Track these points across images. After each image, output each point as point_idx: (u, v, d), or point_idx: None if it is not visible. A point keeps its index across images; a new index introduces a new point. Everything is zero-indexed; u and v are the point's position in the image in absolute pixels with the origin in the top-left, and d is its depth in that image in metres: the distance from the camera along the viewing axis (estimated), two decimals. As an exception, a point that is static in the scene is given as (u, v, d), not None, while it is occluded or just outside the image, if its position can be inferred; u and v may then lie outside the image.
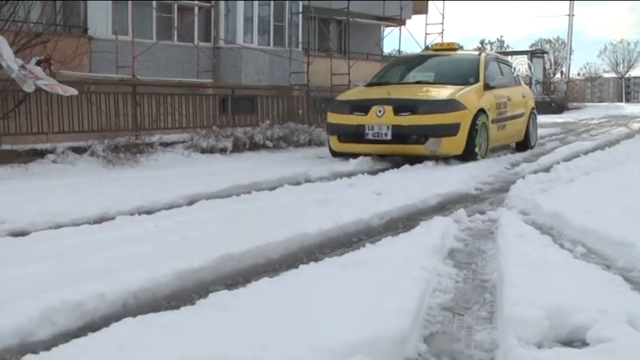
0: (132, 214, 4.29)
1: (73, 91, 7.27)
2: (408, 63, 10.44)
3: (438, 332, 2.39)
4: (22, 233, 3.78)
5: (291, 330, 2.04)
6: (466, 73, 8.85)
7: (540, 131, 14.77)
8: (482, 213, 4.61)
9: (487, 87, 8.61)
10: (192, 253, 3.02)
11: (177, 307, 2.45)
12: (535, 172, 6.60)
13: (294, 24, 13.99)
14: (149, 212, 4.45)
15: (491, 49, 50.00)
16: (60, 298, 2.36)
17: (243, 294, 2.49)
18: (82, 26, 11.05)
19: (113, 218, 4.17)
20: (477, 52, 9.71)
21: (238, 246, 3.18)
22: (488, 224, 4.29)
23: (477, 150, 7.85)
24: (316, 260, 3.20)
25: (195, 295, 2.70)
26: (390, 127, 7.76)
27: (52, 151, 7.36)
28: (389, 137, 7.78)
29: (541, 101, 28.61)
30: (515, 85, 10.16)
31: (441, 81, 8.74)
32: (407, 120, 7.73)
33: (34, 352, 2.05)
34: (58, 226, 3.92)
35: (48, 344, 2.15)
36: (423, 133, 7.70)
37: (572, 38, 36.62)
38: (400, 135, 7.74)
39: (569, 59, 38.39)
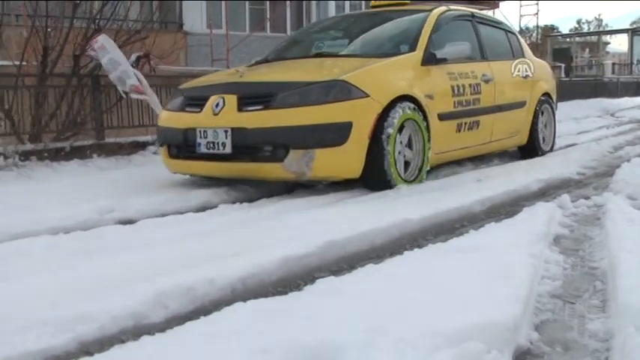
0: (233, 203, 4.37)
1: (155, 105, 7.34)
2: (328, 27, 6.91)
3: (549, 320, 2.32)
4: (130, 221, 3.91)
5: (401, 315, 2.03)
6: (399, 38, 5.66)
7: (644, 113, 14.14)
8: (586, 198, 4.45)
9: (432, 60, 5.34)
10: (295, 240, 3.06)
11: (285, 293, 2.49)
12: (641, 155, 6.33)
13: (385, 11, 13.91)
14: (250, 200, 4.54)
15: (588, 29, 48.08)
16: (172, 282, 2.44)
17: (351, 280, 2.50)
18: (177, 21, 11.38)
19: (216, 206, 4.27)
20: (430, 8, 6.03)
21: (341, 232, 3.20)
22: (594, 210, 4.14)
23: (391, 170, 4.61)
24: (420, 246, 3.18)
25: (301, 281, 2.73)
26: (230, 131, 4.59)
27: (152, 143, 7.60)
28: (228, 149, 4.60)
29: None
30: (510, 57, 6.75)
31: (357, 52, 5.58)
32: (255, 119, 4.54)
33: (150, 333, 2.12)
34: (163, 215, 4.04)
35: (161, 327, 2.22)
36: (281, 142, 4.48)
37: (677, 15, 34.72)
38: (245, 146, 4.58)
39: (674, 37, 36.56)
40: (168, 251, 3.08)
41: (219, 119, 4.67)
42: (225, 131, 4.61)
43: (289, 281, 2.73)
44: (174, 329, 2.09)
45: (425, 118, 5.00)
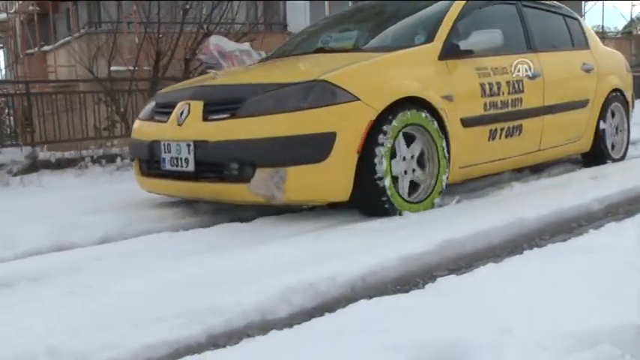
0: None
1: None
2: (344, 17, 5.88)
3: (680, 324, 2.24)
4: (247, 219, 4.01)
5: (527, 316, 2.01)
6: (417, 28, 4.69)
7: None
8: None
9: (454, 52, 4.39)
10: (413, 238, 3.09)
11: (406, 291, 2.50)
12: None
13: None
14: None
15: None
16: (295, 279, 2.50)
17: (472, 278, 2.49)
18: (282, 22, 11.60)
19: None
20: None
21: (460, 231, 3.20)
22: None
23: (387, 192, 3.76)
24: (539, 246, 3.11)
25: (420, 279, 2.74)
26: (192, 145, 3.91)
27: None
28: (191, 167, 3.93)
29: None
30: (569, 47, 5.73)
31: (363, 46, 4.73)
32: (218, 130, 3.86)
33: (276, 328, 2.18)
34: (278, 212, 4.12)
35: (286, 322, 2.29)
36: (247, 158, 3.74)
37: None
38: (207, 163, 3.90)
39: None
40: (286, 248, 3.15)
41: (183, 130, 3.99)
42: (188, 145, 3.92)
43: (408, 279, 2.75)
44: (302, 325, 2.14)
45: (442, 124, 4.12)
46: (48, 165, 7.38)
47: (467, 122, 4.35)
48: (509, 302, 2.15)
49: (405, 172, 3.97)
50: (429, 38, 4.41)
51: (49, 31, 19.77)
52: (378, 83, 3.92)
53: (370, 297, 2.36)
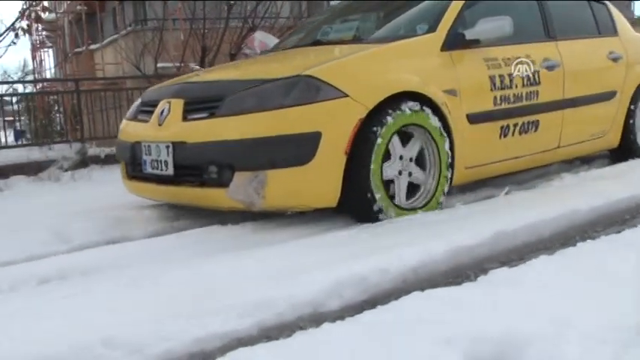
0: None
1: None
2: (351, 7, 5.45)
3: None
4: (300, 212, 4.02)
5: (583, 308, 1.98)
6: (422, 17, 4.39)
7: None
8: None
9: (459, 42, 4.07)
10: (463, 230, 3.06)
11: (458, 284, 2.47)
12: None
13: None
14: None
15: None
16: (346, 272, 2.50)
17: (524, 271, 2.46)
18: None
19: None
20: None
21: (510, 223, 3.16)
22: None
23: (377, 196, 3.50)
24: (592, 238, 3.06)
25: (471, 271, 2.72)
26: (171, 147, 3.69)
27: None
28: (170, 170, 3.72)
29: None
30: (594, 34, 5.27)
31: (367, 37, 4.49)
32: (196, 130, 3.63)
33: (327, 320, 2.16)
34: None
35: (338, 314, 2.28)
36: (226, 161, 3.50)
37: None
38: (186, 166, 3.68)
39: None
40: (335, 241, 3.16)
41: (162, 131, 3.78)
42: (167, 147, 3.70)
43: (459, 272, 2.73)
44: (354, 317, 2.13)
45: (444, 121, 3.81)
46: (97, 160, 7.53)
47: (474, 118, 4.03)
48: (565, 294, 2.12)
49: (400, 172, 3.68)
50: (432, 28, 4.10)
51: (96, 29, 20.14)
52: (370, 77, 3.62)
53: (422, 289, 2.34)
